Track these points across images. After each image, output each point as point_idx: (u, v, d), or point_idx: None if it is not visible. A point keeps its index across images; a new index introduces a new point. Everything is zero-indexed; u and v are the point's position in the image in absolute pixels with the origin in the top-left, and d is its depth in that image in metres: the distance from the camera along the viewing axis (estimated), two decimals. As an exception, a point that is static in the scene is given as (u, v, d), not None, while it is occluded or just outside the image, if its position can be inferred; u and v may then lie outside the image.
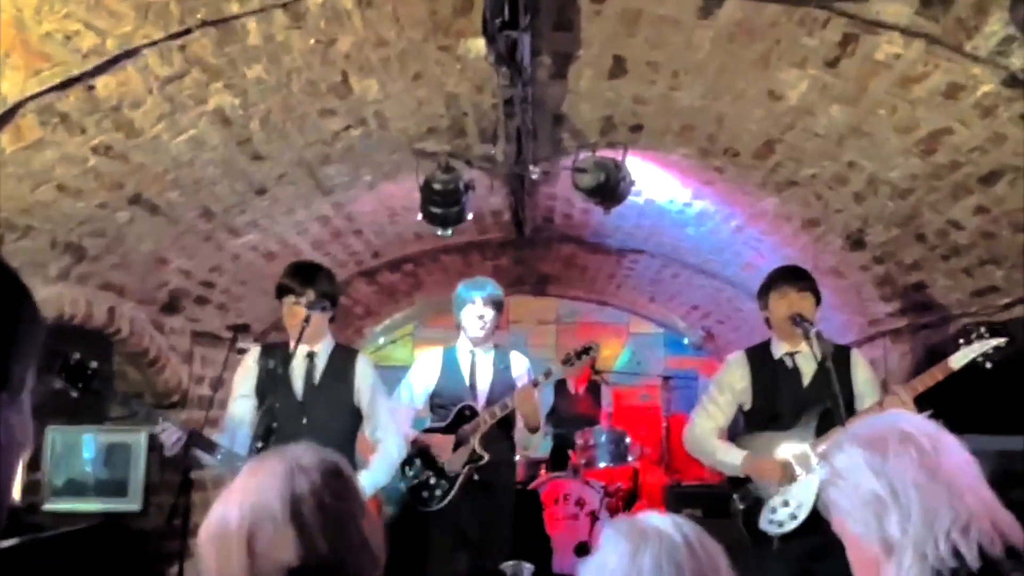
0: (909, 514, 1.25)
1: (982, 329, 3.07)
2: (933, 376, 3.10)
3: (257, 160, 3.39)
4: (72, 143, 2.70)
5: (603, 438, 5.89)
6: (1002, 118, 2.56)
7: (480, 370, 3.95)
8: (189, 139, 3.01)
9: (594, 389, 6.62)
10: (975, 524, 1.23)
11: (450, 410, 3.85)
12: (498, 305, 3.93)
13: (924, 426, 1.34)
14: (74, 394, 3.99)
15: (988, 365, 3.04)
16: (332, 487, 1.38)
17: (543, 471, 5.92)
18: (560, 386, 6.41)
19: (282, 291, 3.32)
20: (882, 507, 1.28)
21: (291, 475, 1.36)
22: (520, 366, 4.03)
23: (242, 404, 3.31)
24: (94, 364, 3.07)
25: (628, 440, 5.94)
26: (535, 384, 3.75)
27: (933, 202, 3.23)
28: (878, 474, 1.29)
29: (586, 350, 3.93)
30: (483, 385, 3.93)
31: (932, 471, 1.26)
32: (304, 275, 3.32)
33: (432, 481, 3.75)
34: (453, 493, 3.72)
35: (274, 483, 1.35)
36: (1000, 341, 3.01)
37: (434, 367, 3.97)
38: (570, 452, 5.99)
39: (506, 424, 3.86)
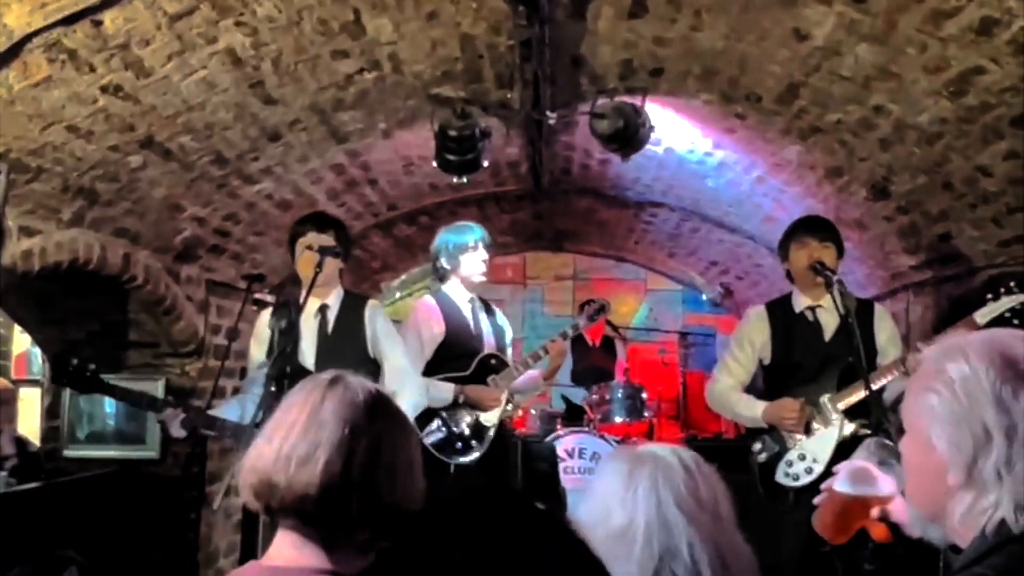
0: (1013, 464, 1.10)
1: (1011, 283, 2.98)
2: (960, 332, 3.02)
3: (270, 104, 3.34)
4: (81, 81, 2.66)
5: (619, 393, 5.89)
6: (1037, 55, 2.46)
7: (482, 318, 3.86)
8: (200, 80, 2.96)
9: (609, 343, 6.60)
10: None
11: (462, 359, 3.70)
12: (490, 245, 3.84)
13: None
14: (80, 397, 4.05)
15: (1016, 321, 2.96)
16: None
17: (559, 425, 5.92)
18: (577, 340, 6.38)
19: (295, 236, 3.31)
20: (988, 443, 1.12)
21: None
22: (504, 320, 4.02)
23: (258, 371, 3.27)
24: (92, 366, 3.12)
25: (644, 395, 5.94)
26: (564, 337, 3.79)
27: (962, 147, 3.13)
28: (1001, 409, 1.11)
29: (602, 308, 3.98)
30: (488, 333, 3.84)
31: None
32: (318, 220, 3.34)
33: (467, 432, 3.63)
34: (488, 445, 3.63)
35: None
36: None
37: (438, 316, 3.76)
38: (585, 406, 5.99)
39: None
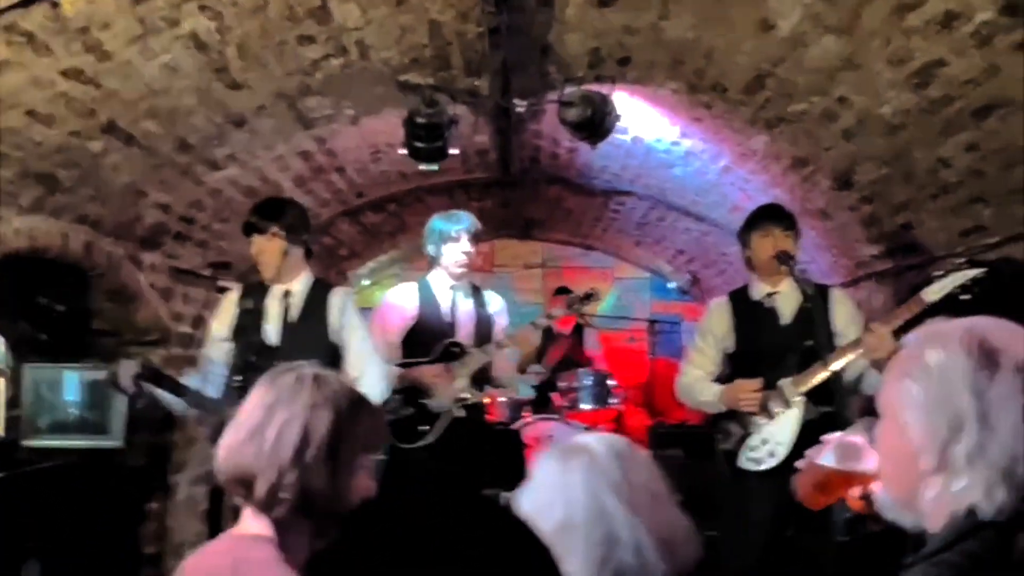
0: (987, 450, 1.11)
1: (959, 261, 2.99)
2: (909, 309, 3.02)
3: (235, 89, 3.30)
4: (40, 65, 2.61)
5: (587, 380, 5.91)
6: (998, 48, 2.50)
7: (461, 307, 3.83)
8: (163, 65, 2.91)
9: (580, 331, 6.63)
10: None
11: (431, 346, 3.70)
12: (478, 238, 3.81)
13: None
14: (42, 336, 3.97)
15: (965, 297, 2.96)
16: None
17: (527, 412, 5.94)
18: (547, 329, 6.40)
19: (248, 229, 3.26)
20: (961, 429, 1.12)
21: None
22: (497, 304, 3.96)
23: (218, 346, 3.28)
24: (61, 307, 3.02)
25: (612, 383, 5.97)
26: (536, 327, 3.76)
27: (923, 139, 3.18)
28: (976, 395, 1.12)
29: (588, 296, 3.94)
30: (465, 322, 3.81)
31: None
32: (264, 210, 3.27)
33: (416, 418, 3.63)
34: (440, 430, 3.61)
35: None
36: (976, 272, 2.86)
37: (411, 302, 3.80)
38: (552, 394, 6.01)
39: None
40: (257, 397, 1.59)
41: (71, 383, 4.26)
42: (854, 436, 1.63)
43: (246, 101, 3.44)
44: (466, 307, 3.85)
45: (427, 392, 3.63)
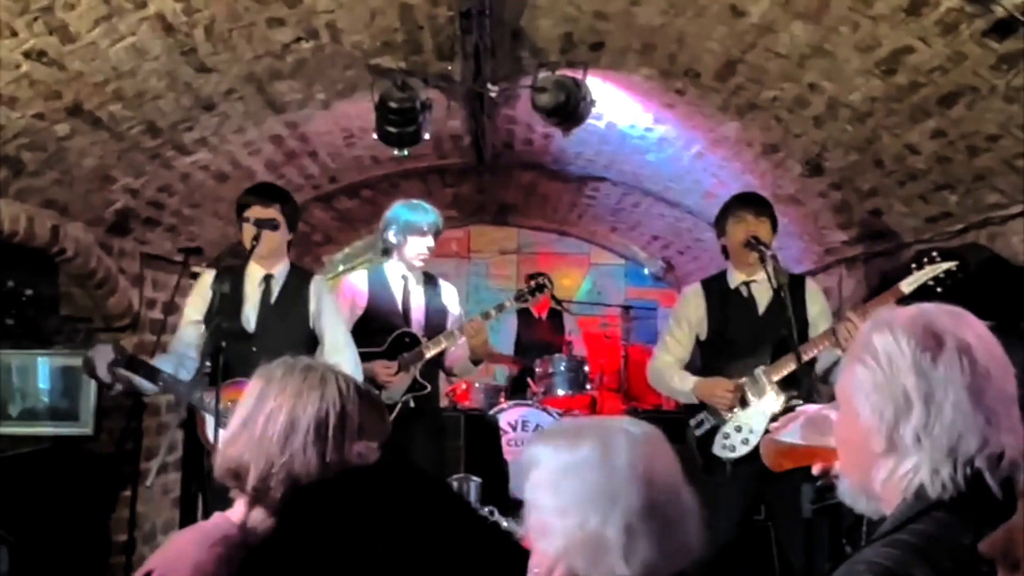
0: (932, 429, 1.14)
1: (934, 253, 3.09)
2: (885, 299, 3.13)
3: (203, 72, 3.26)
4: (3, 46, 2.56)
5: (562, 366, 5.94)
6: (963, 36, 2.52)
7: (414, 296, 3.82)
8: (129, 46, 2.87)
9: (556, 316, 6.65)
10: (1008, 456, 1.13)
11: (382, 335, 3.69)
12: (439, 233, 3.82)
13: (987, 339, 1.19)
14: (8, 321, 3.93)
15: (939, 290, 3.07)
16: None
17: (502, 398, 5.96)
18: (523, 314, 6.41)
19: (241, 208, 3.27)
20: (908, 409, 1.16)
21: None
22: (451, 295, 3.96)
23: (192, 328, 3.29)
24: (28, 291, 2.99)
25: (587, 368, 6.00)
26: (486, 317, 3.72)
27: (891, 125, 3.21)
28: (920, 376, 1.16)
29: (540, 287, 3.95)
30: (417, 312, 3.80)
31: (977, 393, 1.14)
32: (263, 193, 3.33)
33: None
34: (392, 420, 3.64)
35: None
36: (951, 265, 3.03)
37: (361, 290, 3.80)
38: (529, 380, 6.04)
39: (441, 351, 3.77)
40: (249, 389, 1.60)
41: (44, 369, 4.23)
42: (826, 408, 1.65)
43: (215, 84, 3.40)
44: (418, 297, 3.84)
45: (376, 383, 3.60)
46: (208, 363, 2.98)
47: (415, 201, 3.86)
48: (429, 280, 3.91)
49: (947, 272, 3.04)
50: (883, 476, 1.19)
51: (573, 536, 1.23)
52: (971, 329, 1.19)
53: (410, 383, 3.68)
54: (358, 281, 3.85)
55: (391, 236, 3.77)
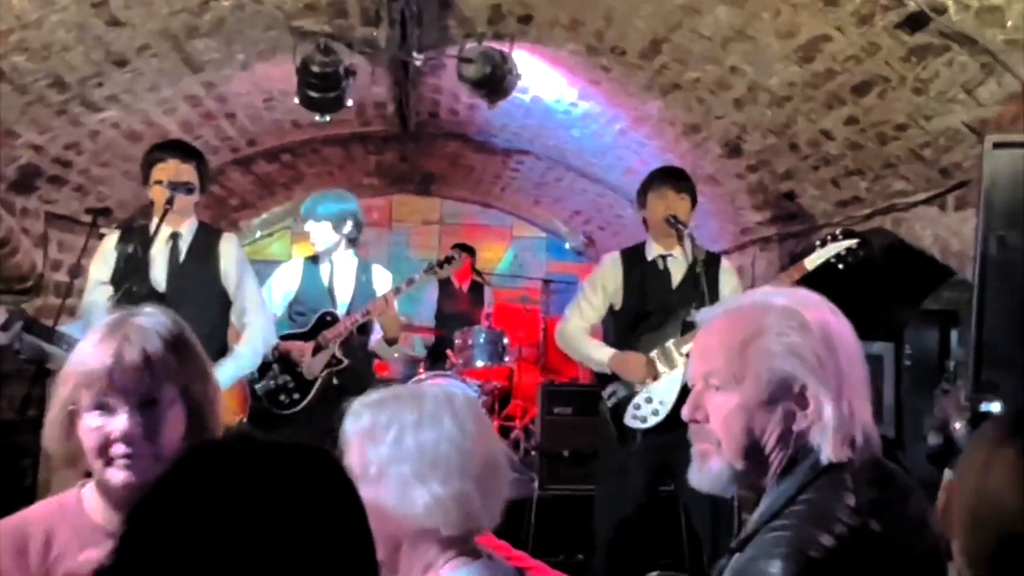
0: (822, 404, 1.24)
1: (837, 232, 3.23)
2: (790, 276, 3.24)
3: (115, 26, 3.11)
4: None
5: (481, 338, 5.95)
6: (877, 27, 2.60)
7: (340, 278, 3.92)
8: (35, -5, 2.73)
9: (477, 288, 6.65)
10: (858, 418, 1.24)
11: (310, 317, 3.82)
12: (361, 227, 3.97)
13: (838, 318, 1.31)
14: None
15: (841, 267, 3.19)
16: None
17: (421, 369, 5.94)
18: (444, 284, 6.40)
19: (152, 162, 3.14)
20: (789, 384, 1.25)
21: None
22: (383, 280, 3.99)
23: (99, 292, 3.16)
24: None
25: (506, 340, 6.03)
26: (397, 292, 3.75)
27: (807, 111, 3.30)
28: (794, 353, 1.25)
29: (448, 259, 3.97)
30: (343, 293, 3.90)
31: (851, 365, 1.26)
32: (181, 150, 3.22)
33: (290, 385, 3.72)
34: (311, 397, 3.71)
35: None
36: (852, 242, 3.17)
37: (294, 274, 3.96)
38: (448, 351, 6.04)
39: (365, 330, 3.87)
40: None
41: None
42: None
43: (128, 40, 3.25)
44: (346, 279, 3.94)
45: (293, 361, 3.75)
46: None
47: (340, 192, 4.10)
48: (363, 264, 4.01)
49: (848, 250, 3.18)
50: (771, 446, 1.27)
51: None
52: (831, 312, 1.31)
53: (327, 360, 3.74)
54: (292, 266, 4.06)
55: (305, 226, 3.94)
